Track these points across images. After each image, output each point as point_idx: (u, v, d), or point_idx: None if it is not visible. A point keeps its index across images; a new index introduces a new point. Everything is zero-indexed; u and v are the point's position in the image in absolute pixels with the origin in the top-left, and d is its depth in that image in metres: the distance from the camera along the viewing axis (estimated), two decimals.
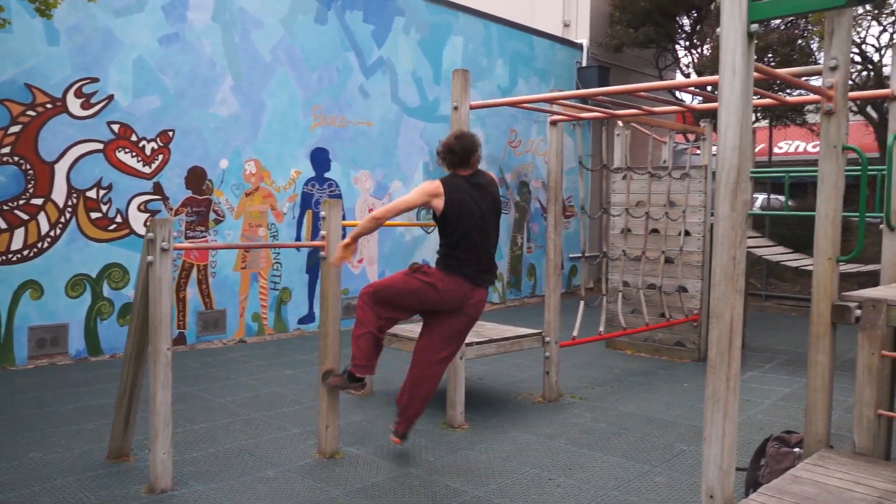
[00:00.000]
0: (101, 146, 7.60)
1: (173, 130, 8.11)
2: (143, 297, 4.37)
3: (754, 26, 3.04)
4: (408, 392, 4.88)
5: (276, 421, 5.64)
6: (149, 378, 4.24)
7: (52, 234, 7.33)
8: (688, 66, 14.77)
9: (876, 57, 12.66)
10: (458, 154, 4.66)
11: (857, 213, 4.16)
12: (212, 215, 8.46)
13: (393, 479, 4.50)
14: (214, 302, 8.48)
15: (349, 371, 4.75)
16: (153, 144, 7.97)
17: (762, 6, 3.04)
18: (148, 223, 4.17)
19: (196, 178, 8.32)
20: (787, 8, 3.17)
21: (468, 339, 5.74)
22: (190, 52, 8.20)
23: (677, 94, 13.91)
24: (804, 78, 4.50)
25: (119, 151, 7.73)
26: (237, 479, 4.43)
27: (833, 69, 3.99)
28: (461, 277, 4.68)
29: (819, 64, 12.25)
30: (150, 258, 4.19)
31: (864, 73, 12.74)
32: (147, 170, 7.94)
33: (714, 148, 9.04)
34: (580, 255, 6.70)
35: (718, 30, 3.08)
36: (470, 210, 4.67)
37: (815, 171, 4.04)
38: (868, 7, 11.19)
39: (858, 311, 3.83)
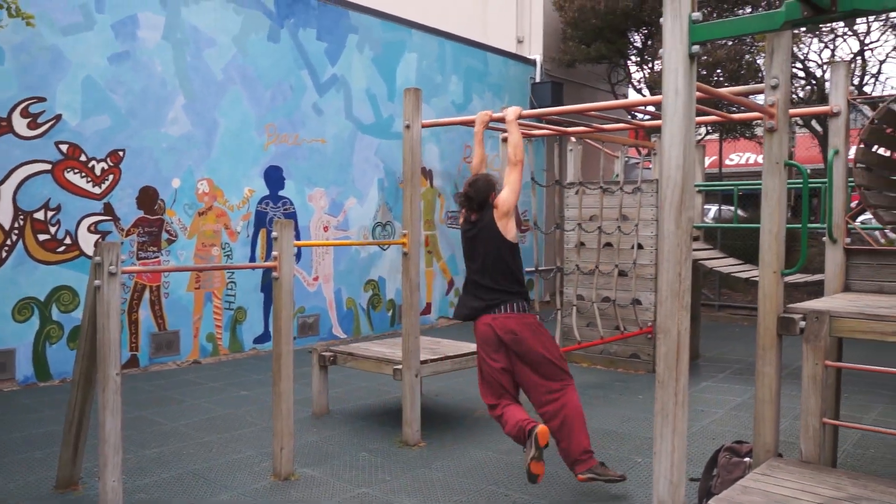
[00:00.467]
0: (48, 167, 7.47)
1: (124, 150, 8.00)
2: (90, 322, 4.30)
3: (696, 47, 3.09)
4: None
5: (230, 444, 5.56)
6: (98, 404, 4.16)
7: None
8: (640, 82, 14.99)
9: (818, 72, 13.00)
10: (475, 199, 4.78)
11: (801, 225, 4.26)
12: (164, 235, 8.35)
13: (349, 499, 4.47)
14: (168, 323, 8.37)
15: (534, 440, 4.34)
16: (103, 164, 7.85)
17: (703, 28, 3.09)
18: (98, 245, 4.11)
19: (148, 198, 8.21)
20: (727, 30, 3.24)
21: (423, 357, 5.74)
22: (141, 70, 8.12)
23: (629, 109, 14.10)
24: (751, 96, 4.60)
25: (68, 172, 7.60)
26: None
27: (774, 87, 4.06)
28: (470, 318, 4.76)
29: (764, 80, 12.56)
30: (97, 282, 4.12)
31: (809, 87, 13.06)
32: (97, 190, 7.82)
33: None
34: (534, 269, 6.72)
35: (661, 51, 3.13)
36: (464, 237, 4.92)
37: (759, 184, 4.12)
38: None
39: (803, 323, 3.91)
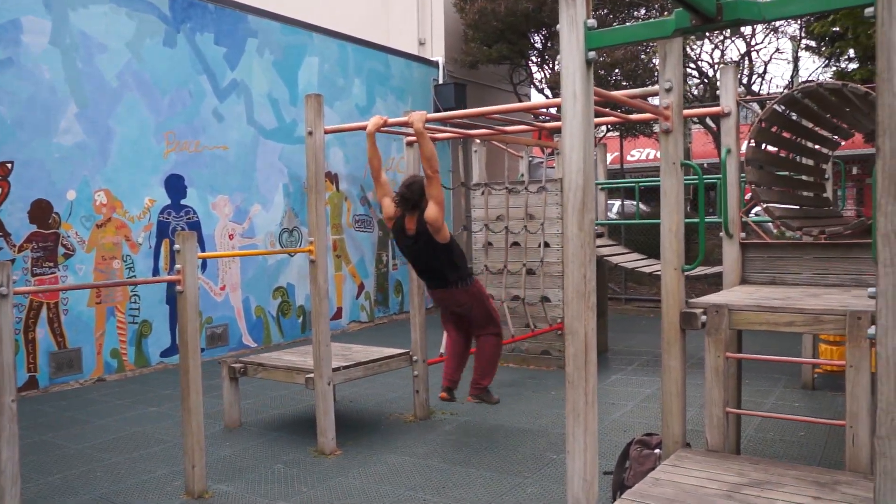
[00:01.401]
0: None
1: (12, 162, 7.62)
2: None
3: (592, 54, 3.16)
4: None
5: (140, 463, 5.41)
6: None
7: None
8: (541, 82, 15.24)
9: (710, 72, 13.51)
10: (410, 200, 5.33)
11: (699, 220, 4.43)
12: (60, 250, 8.01)
13: None
14: (68, 340, 8.02)
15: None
16: None
17: (598, 35, 3.16)
18: None
19: (41, 211, 7.85)
20: (621, 37, 3.33)
21: (335, 364, 5.72)
22: (27, 77, 7.75)
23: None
24: (649, 98, 4.72)
25: None
26: None
27: (668, 90, 4.19)
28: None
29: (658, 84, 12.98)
30: None
31: (702, 85, 13.57)
32: None
33: None
34: None
35: (559, 57, 3.19)
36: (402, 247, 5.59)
37: (659, 180, 4.26)
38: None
39: (704, 317, 4.05)
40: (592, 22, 3.14)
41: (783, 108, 5.17)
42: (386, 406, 6.84)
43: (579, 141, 3.16)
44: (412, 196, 5.30)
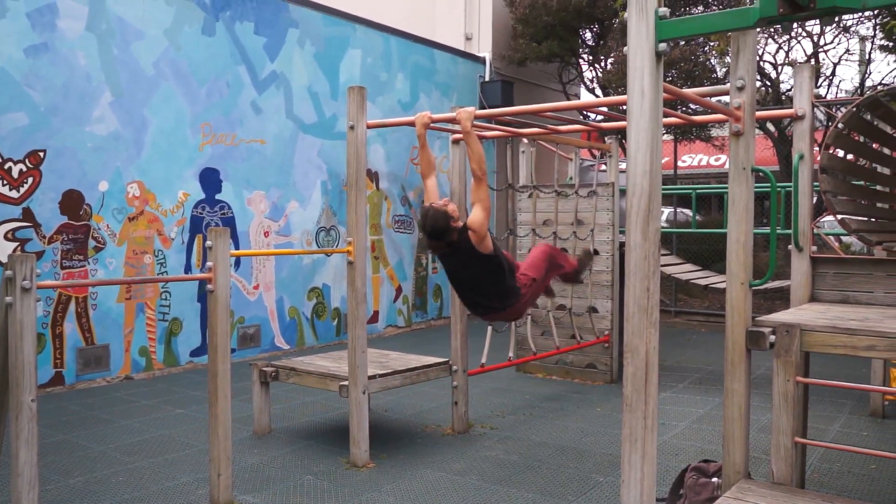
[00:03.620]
0: None
1: (44, 151, 7.45)
2: (1, 343, 3.90)
3: (662, 46, 2.92)
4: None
5: (164, 469, 5.20)
6: (10, 434, 3.75)
7: None
8: (591, 81, 14.89)
9: (773, 74, 13.03)
10: (438, 235, 4.67)
11: (765, 230, 4.10)
12: (91, 242, 7.82)
13: None
14: (96, 337, 7.83)
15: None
16: (21, 166, 7.29)
17: (670, 25, 2.92)
18: (10, 256, 3.72)
19: (72, 202, 7.67)
20: (695, 28, 3.07)
21: (370, 372, 5.44)
22: (62, 64, 7.57)
23: (582, 111, 14.01)
24: (713, 98, 4.40)
25: None
26: None
27: (740, 89, 3.94)
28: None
29: (719, 78, 12.56)
30: (8, 299, 3.74)
31: (763, 89, 13.10)
32: (15, 194, 7.25)
33: (622, 165, 9.00)
34: None
35: (625, 49, 2.94)
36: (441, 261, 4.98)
37: (720, 187, 3.96)
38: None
39: (773, 337, 3.76)
40: (664, 10, 2.92)
41: (863, 111, 4.79)
42: (422, 417, 6.53)
43: (646, 141, 2.92)
44: (436, 232, 4.63)
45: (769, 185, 4.11)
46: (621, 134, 12.24)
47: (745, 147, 3.94)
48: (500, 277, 4.79)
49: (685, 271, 8.26)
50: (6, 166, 7.19)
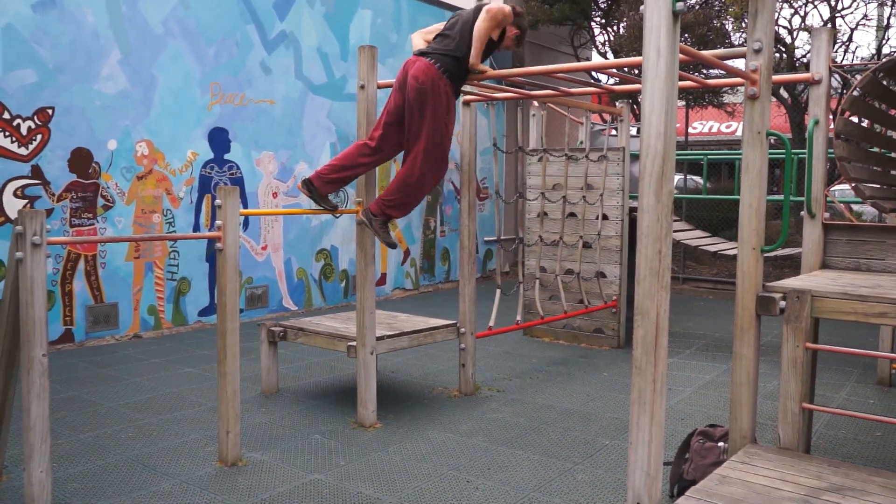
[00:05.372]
0: None
1: (53, 108, 7.42)
2: (12, 299, 3.92)
3: (679, 4, 2.89)
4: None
5: (172, 426, 5.24)
6: (21, 389, 3.78)
7: None
8: (603, 45, 14.72)
9: (788, 39, 12.83)
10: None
11: (776, 197, 4.06)
12: (100, 201, 7.81)
13: (301, 487, 4.21)
14: (105, 295, 7.86)
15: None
16: (30, 123, 7.26)
17: None
18: (20, 212, 3.73)
19: (81, 160, 7.65)
20: None
21: (378, 333, 5.44)
22: (70, 21, 7.50)
23: (594, 74, 13.86)
24: (729, 60, 4.35)
25: None
26: (128, 496, 4.06)
27: (757, 52, 3.88)
28: None
29: (734, 45, 12.39)
30: (18, 254, 3.75)
31: (777, 54, 12.92)
32: (24, 151, 7.23)
33: (632, 129, 8.93)
34: (495, 238, 6.46)
35: (642, 8, 2.88)
36: None
37: (731, 153, 3.92)
38: None
39: (783, 303, 3.75)
40: None
41: (881, 76, 4.72)
42: (429, 379, 6.56)
43: (661, 102, 2.89)
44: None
45: (781, 151, 4.06)
46: (632, 98, 12.14)
47: (760, 111, 3.90)
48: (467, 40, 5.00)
49: (695, 237, 8.21)
50: (14, 123, 7.16)
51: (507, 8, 4.93)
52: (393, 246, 5.24)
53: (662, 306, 2.98)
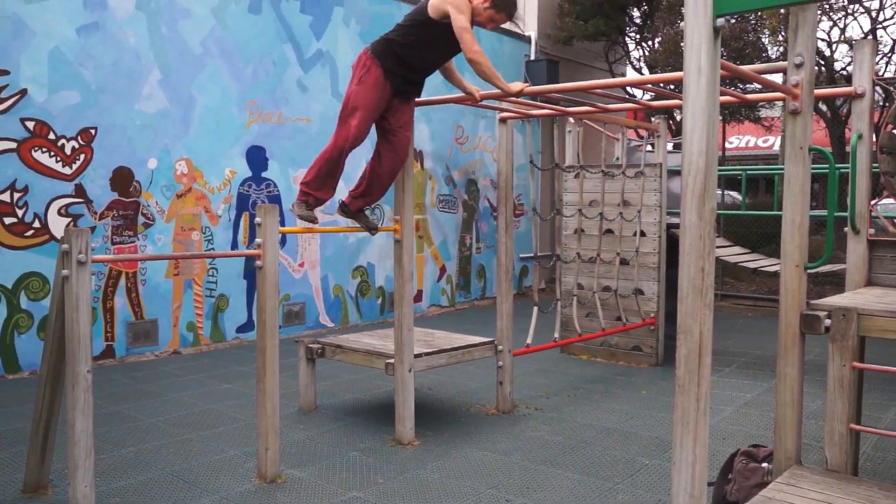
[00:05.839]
0: (14, 145, 7.02)
1: (95, 128, 7.56)
2: (58, 315, 4.00)
3: (720, 21, 2.85)
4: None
5: (212, 442, 5.27)
6: (66, 404, 3.84)
7: None
8: (638, 60, 14.67)
9: (827, 52, 12.67)
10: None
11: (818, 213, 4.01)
12: (140, 219, 7.94)
13: None
14: (145, 311, 7.97)
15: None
16: (73, 143, 7.41)
17: None
18: (67, 230, 3.80)
19: (122, 179, 7.78)
20: (756, 1, 2.97)
21: (416, 350, 5.44)
22: (112, 43, 7.66)
23: (629, 89, 13.83)
24: (769, 75, 4.30)
25: (35, 151, 7.16)
26: None
27: (798, 66, 3.84)
28: None
29: (770, 57, 12.26)
30: (65, 272, 3.83)
31: (816, 67, 12.79)
32: (67, 171, 7.38)
33: (669, 145, 8.86)
34: (531, 255, 6.43)
35: (681, 24, 2.87)
36: None
37: (771, 168, 3.88)
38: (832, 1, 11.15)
39: (828, 321, 3.68)
40: None
41: None
42: (467, 396, 6.54)
43: (703, 120, 2.87)
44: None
45: (822, 166, 4.01)
46: (668, 113, 12.06)
47: (802, 126, 3.85)
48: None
49: (733, 254, 8.12)
50: (59, 143, 7.32)
51: None
52: (372, 230, 5.33)
53: (706, 324, 2.95)
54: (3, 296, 7.00)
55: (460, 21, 4.70)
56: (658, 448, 5.16)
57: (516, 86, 4.96)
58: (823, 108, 12.76)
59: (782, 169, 7.79)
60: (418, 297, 11.24)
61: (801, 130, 3.85)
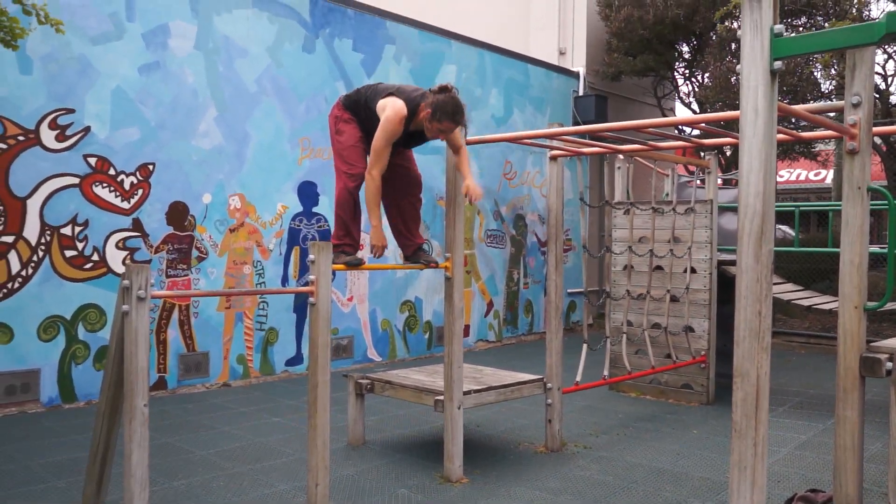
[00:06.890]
0: (76, 180, 7.25)
1: (154, 164, 7.78)
2: (117, 349, 4.07)
3: (777, 64, 2.85)
4: None
5: (262, 476, 5.30)
6: (123, 436, 3.90)
7: (23, 273, 6.95)
8: (688, 95, 14.61)
9: (882, 85, 12.47)
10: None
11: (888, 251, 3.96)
12: (194, 252, 8.10)
13: None
14: (197, 344, 8.10)
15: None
16: (132, 178, 7.63)
17: (786, 43, 2.84)
18: (127, 262, 3.88)
19: (178, 213, 7.97)
20: (813, 45, 2.97)
21: (465, 387, 5.42)
22: (171, 81, 7.90)
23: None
24: (825, 114, 4.26)
25: (96, 186, 7.38)
26: None
27: (856, 105, 3.81)
28: None
29: (823, 93, 12.13)
30: (125, 307, 3.88)
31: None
32: (126, 205, 7.59)
33: (719, 180, 8.79)
34: (580, 291, 6.40)
35: (738, 67, 2.88)
36: None
37: (825, 204, 3.83)
38: None
39: (889, 364, 3.60)
40: (780, 27, 2.84)
41: None
42: (515, 434, 6.49)
43: (759, 161, 2.86)
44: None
45: (881, 202, 3.95)
46: (718, 149, 11.97)
47: (860, 166, 3.82)
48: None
49: (786, 291, 7.96)
50: (119, 178, 7.53)
51: (398, 104, 4.91)
52: (433, 264, 5.34)
53: (763, 368, 2.92)
54: (63, 326, 7.18)
55: (375, 140, 4.94)
56: (710, 490, 5.05)
57: (471, 188, 5.04)
58: (878, 141, 12.55)
59: (837, 205, 7.68)
60: (465, 332, 11.23)
61: (860, 170, 3.81)
